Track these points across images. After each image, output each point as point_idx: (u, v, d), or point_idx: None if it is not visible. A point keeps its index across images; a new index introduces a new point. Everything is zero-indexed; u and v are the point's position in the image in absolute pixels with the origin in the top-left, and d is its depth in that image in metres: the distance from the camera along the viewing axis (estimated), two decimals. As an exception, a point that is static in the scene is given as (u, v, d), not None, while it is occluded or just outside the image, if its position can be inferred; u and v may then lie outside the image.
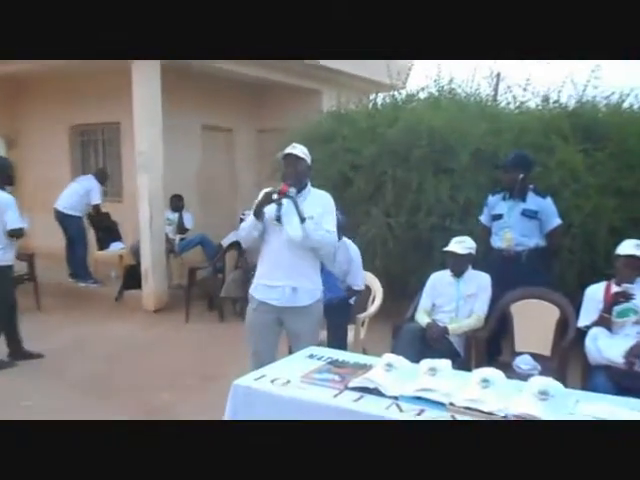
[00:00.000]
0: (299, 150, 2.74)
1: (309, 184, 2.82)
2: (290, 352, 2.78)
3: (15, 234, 4.07)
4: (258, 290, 2.83)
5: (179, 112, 6.48)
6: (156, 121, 5.74)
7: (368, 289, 3.96)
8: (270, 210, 2.69)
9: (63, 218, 6.31)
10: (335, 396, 2.10)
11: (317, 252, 2.77)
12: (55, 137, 7.65)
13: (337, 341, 3.34)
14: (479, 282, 3.38)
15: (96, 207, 6.46)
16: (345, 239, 3.68)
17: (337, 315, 3.39)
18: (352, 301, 3.70)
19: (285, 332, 2.87)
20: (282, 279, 2.74)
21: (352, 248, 3.71)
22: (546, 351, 3.22)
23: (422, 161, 4.77)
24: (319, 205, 2.75)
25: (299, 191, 2.73)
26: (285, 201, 2.65)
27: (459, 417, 1.91)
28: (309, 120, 5.68)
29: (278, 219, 2.67)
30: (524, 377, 2.19)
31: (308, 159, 2.77)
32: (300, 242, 2.66)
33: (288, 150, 2.73)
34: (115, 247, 6.73)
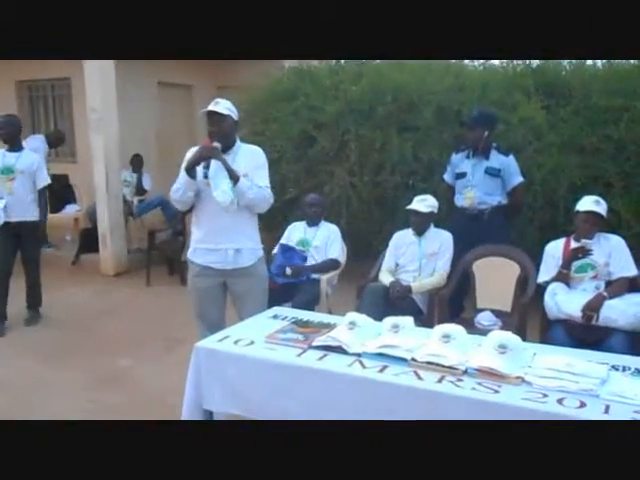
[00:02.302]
0: (222, 107, 2.58)
1: (238, 140, 2.70)
2: (240, 317, 2.69)
3: None
4: (198, 254, 2.70)
5: (133, 67, 6.13)
6: (109, 77, 5.44)
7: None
8: (198, 169, 2.55)
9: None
10: (299, 355, 2.09)
11: (252, 209, 2.67)
12: (0, 93, 7.19)
13: None
14: (441, 240, 3.39)
15: None
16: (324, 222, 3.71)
17: (303, 295, 3.32)
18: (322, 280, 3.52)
19: (230, 296, 2.78)
20: (224, 242, 2.63)
21: (332, 229, 3.70)
22: (507, 307, 3.29)
23: (386, 119, 4.70)
24: (251, 161, 2.65)
25: (229, 148, 2.62)
26: (213, 162, 2.53)
27: (421, 372, 1.93)
28: (271, 77, 5.49)
29: (205, 176, 2.55)
30: (485, 333, 2.21)
31: (234, 115, 2.63)
32: (229, 206, 2.51)
33: (210, 107, 2.58)
34: (70, 210, 6.48)
